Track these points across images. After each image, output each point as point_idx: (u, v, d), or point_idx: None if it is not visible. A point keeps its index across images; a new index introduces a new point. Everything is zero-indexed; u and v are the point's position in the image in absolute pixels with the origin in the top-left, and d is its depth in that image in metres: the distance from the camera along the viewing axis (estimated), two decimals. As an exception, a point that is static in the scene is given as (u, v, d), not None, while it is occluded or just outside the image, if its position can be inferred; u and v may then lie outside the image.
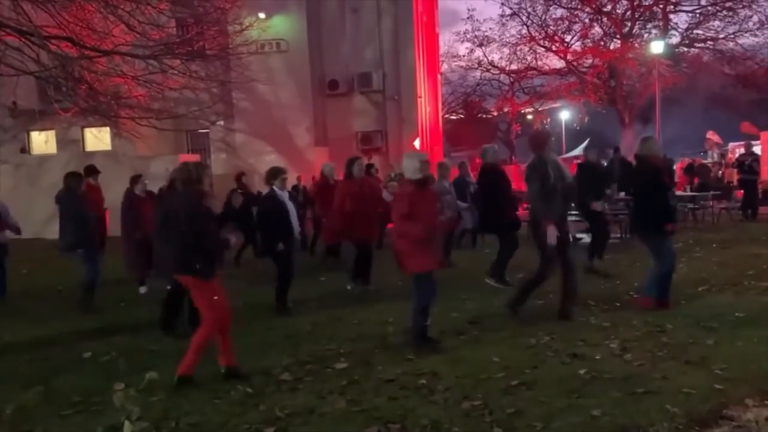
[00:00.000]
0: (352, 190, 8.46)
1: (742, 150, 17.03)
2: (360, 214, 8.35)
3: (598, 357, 5.27)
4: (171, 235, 5.19)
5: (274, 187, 7.56)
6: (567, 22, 33.40)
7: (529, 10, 33.45)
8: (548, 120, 42.91)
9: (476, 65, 36.99)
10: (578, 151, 40.26)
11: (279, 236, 7.44)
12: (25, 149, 21.71)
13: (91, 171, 10.47)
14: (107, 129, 19.60)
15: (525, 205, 12.42)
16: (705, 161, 25.11)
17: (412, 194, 5.70)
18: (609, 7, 32.87)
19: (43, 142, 22.27)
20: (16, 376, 5.55)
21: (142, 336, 6.69)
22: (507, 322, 6.47)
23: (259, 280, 9.58)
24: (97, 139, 20.54)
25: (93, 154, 18.80)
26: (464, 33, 36.30)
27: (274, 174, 7.56)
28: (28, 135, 22.32)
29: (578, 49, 33.55)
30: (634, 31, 32.95)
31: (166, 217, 5.38)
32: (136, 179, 9.36)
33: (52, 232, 12.66)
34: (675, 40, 32.81)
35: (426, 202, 5.79)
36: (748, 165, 15.35)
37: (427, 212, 5.75)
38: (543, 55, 34.64)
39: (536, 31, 33.70)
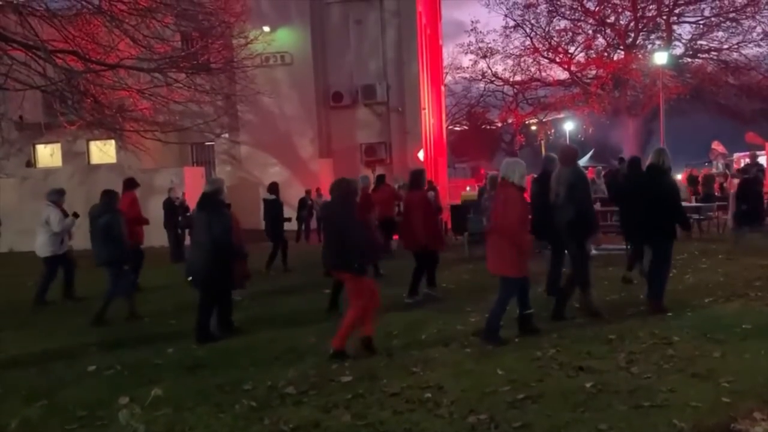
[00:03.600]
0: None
1: (747, 160, 16.97)
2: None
3: (604, 370, 5.24)
4: (331, 238, 6.16)
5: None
6: (570, 34, 33.61)
7: (533, 21, 33.71)
8: (552, 131, 43.00)
9: (480, 77, 37.21)
10: (584, 161, 40.33)
11: None
12: (31, 163, 21.83)
13: (134, 184, 10.62)
14: (112, 142, 19.72)
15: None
16: (712, 171, 25.03)
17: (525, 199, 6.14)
18: (612, 18, 33.07)
19: (48, 155, 22.41)
20: (21, 390, 5.54)
21: (147, 349, 6.68)
22: (512, 335, 6.44)
23: (263, 291, 9.59)
24: (102, 152, 20.66)
25: (98, 167, 18.92)
26: (468, 45, 36.50)
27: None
28: (34, 148, 22.48)
29: (582, 60, 33.71)
30: (637, 42, 33.09)
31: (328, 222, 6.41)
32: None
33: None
34: (679, 50, 32.97)
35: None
36: (753, 175, 15.27)
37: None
38: (547, 66, 34.86)
39: (540, 42, 33.88)
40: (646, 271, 7.78)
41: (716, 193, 18.27)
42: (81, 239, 9.54)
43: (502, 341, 6.12)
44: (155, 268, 11.70)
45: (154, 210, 14.04)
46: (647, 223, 7.20)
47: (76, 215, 9.45)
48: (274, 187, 11.85)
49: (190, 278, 7.02)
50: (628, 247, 9.92)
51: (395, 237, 11.52)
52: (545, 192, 7.46)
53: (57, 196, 9.48)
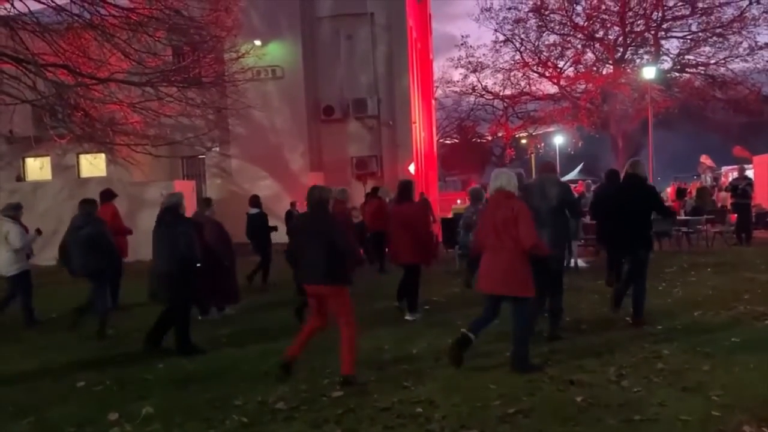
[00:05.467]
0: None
1: (736, 174, 17.12)
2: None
3: (594, 384, 5.25)
4: (313, 250, 5.66)
5: None
6: (560, 48, 33.91)
7: (523, 36, 34.00)
8: (542, 144, 43.23)
9: (470, 90, 37.40)
10: (573, 175, 40.53)
11: None
12: (20, 177, 21.71)
13: (112, 195, 10.53)
14: (102, 155, 19.66)
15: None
16: (702, 184, 25.22)
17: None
18: (601, 33, 33.40)
19: (38, 168, 22.30)
20: (8, 406, 5.47)
21: (136, 365, 6.63)
22: (502, 349, 6.44)
23: (253, 305, 9.56)
24: (92, 165, 20.58)
25: (88, 180, 18.82)
26: (458, 59, 36.77)
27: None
28: (23, 161, 22.35)
29: (571, 74, 33.98)
30: (626, 56, 33.42)
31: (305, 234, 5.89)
32: (208, 202, 9.51)
33: (45, 258, 12.69)
34: (667, 65, 33.29)
35: None
36: (741, 189, 15.43)
37: None
38: (536, 80, 35.13)
39: (529, 56, 34.18)
40: (618, 286, 7.78)
41: (718, 206, 18.41)
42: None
43: (537, 366, 5.74)
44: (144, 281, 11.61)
45: (144, 223, 13.94)
46: (626, 234, 7.23)
47: (39, 232, 9.22)
48: (256, 201, 11.59)
49: (153, 295, 7.05)
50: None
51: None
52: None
53: (14, 211, 9.04)
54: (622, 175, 7.77)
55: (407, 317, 8.29)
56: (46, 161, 22.06)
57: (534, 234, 5.57)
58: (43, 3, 11.42)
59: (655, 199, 7.44)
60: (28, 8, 11.44)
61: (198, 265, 7.04)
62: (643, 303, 7.29)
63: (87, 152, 19.70)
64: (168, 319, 7.09)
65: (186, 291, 6.98)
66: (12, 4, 11.27)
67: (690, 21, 31.96)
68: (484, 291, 5.89)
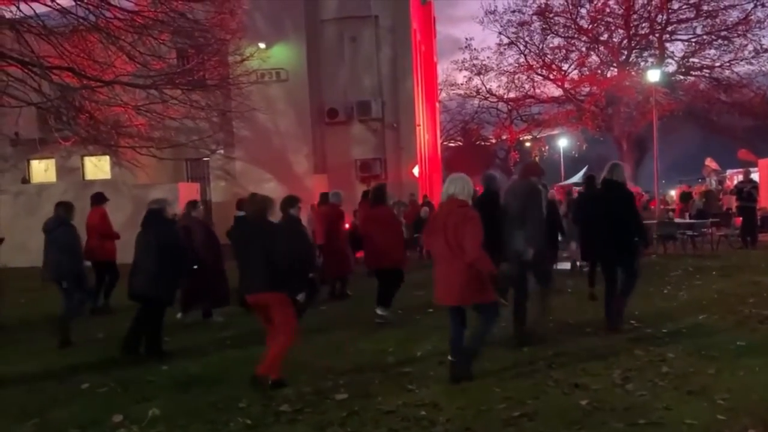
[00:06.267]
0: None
1: (741, 177, 17.07)
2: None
3: (599, 387, 5.23)
4: (254, 258, 5.56)
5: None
6: (564, 51, 33.87)
7: (527, 39, 33.97)
8: (546, 147, 43.17)
9: (474, 93, 37.36)
10: (577, 178, 40.53)
11: None
12: (26, 179, 21.78)
13: (103, 199, 10.51)
14: (107, 158, 19.71)
15: None
16: (707, 188, 25.16)
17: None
18: (606, 36, 33.35)
19: (43, 170, 22.38)
20: (12, 408, 5.48)
21: (139, 367, 6.62)
22: (507, 352, 6.43)
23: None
24: (97, 167, 20.66)
25: (93, 182, 18.86)
26: (462, 62, 36.69)
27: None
28: (29, 164, 22.44)
29: (575, 77, 33.95)
30: (630, 59, 33.36)
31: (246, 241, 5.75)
32: (194, 204, 9.36)
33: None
34: (671, 68, 33.18)
35: None
36: (746, 192, 15.38)
37: None
38: (541, 83, 35.10)
39: (534, 59, 34.13)
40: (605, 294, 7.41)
41: (725, 209, 18.32)
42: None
43: (471, 376, 5.54)
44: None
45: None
46: (607, 242, 7.01)
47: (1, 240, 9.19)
48: (241, 204, 11.48)
49: (133, 295, 7.01)
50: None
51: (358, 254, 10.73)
52: (492, 212, 6.91)
53: None
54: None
55: (378, 311, 8.27)
56: (51, 163, 22.15)
57: (478, 248, 5.27)
58: (49, 6, 11.46)
59: (629, 209, 7.11)
60: (34, 11, 11.49)
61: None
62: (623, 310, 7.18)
63: (92, 154, 19.76)
64: (143, 323, 7.02)
65: (168, 293, 6.96)
66: (18, 7, 11.32)
67: (695, 24, 31.90)
68: (443, 304, 5.69)
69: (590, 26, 32.67)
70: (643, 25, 32.48)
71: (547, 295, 7.01)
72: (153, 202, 7.34)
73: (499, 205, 7.41)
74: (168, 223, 7.27)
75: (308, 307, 7.57)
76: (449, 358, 5.68)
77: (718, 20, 30.96)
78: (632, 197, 7.32)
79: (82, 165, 21.84)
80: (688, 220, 15.54)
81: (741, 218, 15.86)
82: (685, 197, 22.67)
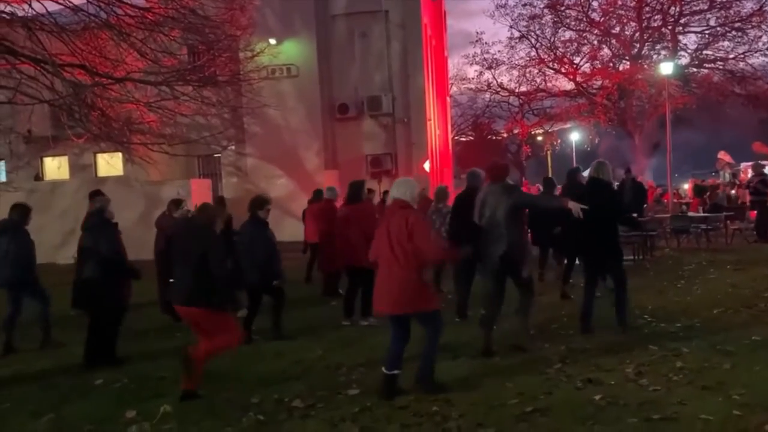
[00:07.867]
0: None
1: (750, 171, 16.90)
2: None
3: (612, 382, 5.20)
4: (186, 267, 5.35)
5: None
6: (576, 44, 33.65)
7: (538, 32, 33.77)
8: (558, 141, 42.99)
9: (485, 87, 37.28)
10: (587, 172, 40.16)
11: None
12: (39, 176, 21.93)
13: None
14: (119, 155, 19.78)
15: None
16: (718, 181, 24.95)
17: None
18: (617, 29, 33.08)
19: (55, 168, 22.54)
20: (28, 405, 5.53)
21: (152, 363, 6.66)
22: (517, 348, 6.39)
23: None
24: (110, 164, 20.76)
25: (105, 179, 18.99)
26: (473, 56, 36.57)
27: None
28: (42, 161, 22.60)
29: (587, 70, 33.74)
30: (643, 52, 33.07)
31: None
32: (177, 203, 9.13)
33: (64, 257, 12.80)
34: (684, 60, 32.91)
35: None
36: (753, 186, 15.23)
37: None
38: (552, 76, 34.91)
39: (545, 53, 33.93)
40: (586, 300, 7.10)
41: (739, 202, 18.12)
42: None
43: (443, 387, 5.25)
44: (154, 282, 11.65)
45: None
46: (591, 242, 6.83)
47: None
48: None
49: (76, 303, 6.84)
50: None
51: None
52: (469, 209, 6.72)
53: None
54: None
55: (362, 322, 7.94)
56: (64, 161, 22.30)
57: (433, 244, 5.17)
58: (60, 3, 11.51)
59: (614, 206, 7.00)
60: (46, 9, 11.55)
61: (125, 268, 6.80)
62: (627, 310, 6.98)
63: (104, 151, 19.89)
64: (96, 331, 6.73)
65: (110, 299, 6.70)
66: (30, 5, 11.38)
67: (708, 15, 31.58)
68: (384, 313, 5.34)
69: (602, 19, 32.43)
70: (656, 17, 32.20)
71: (529, 306, 6.60)
72: (94, 203, 7.07)
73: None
74: (108, 225, 6.95)
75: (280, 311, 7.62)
76: (383, 370, 5.25)
77: (731, 11, 30.67)
78: (617, 196, 7.17)
79: (95, 162, 21.99)
80: (701, 214, 15.39)
81: (755, 212, 15.71)
82: (698, 191, 22.47)
